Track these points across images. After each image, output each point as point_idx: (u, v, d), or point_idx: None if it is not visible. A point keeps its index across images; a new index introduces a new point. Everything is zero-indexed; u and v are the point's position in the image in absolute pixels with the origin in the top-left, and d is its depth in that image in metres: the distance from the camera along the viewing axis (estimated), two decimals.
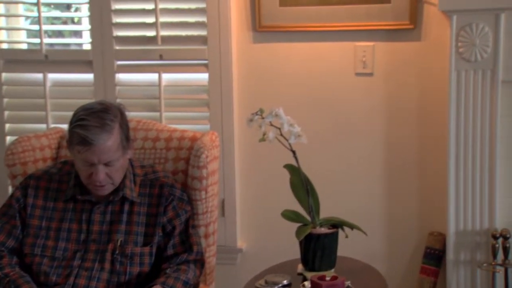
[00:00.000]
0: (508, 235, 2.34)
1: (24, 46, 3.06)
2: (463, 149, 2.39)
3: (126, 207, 1.97)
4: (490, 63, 2.32)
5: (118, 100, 2.82)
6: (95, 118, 1.84)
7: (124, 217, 1.96)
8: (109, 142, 1.84)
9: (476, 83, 2.35)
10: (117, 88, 2.89)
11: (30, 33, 3.03)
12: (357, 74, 2.69)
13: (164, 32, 2.80)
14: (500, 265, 2.37)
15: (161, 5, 2.78)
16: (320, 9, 2.63)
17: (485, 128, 2.35)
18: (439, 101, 2.55)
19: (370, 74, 2.67)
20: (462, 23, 2.32)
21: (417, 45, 2.59)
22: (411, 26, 2.56)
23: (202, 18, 2.77)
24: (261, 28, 2.72)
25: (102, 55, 2.87)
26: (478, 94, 2.35)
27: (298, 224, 2.01)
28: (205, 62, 2.79)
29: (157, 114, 2.84)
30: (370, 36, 2.63)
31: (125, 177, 1.97)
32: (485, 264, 2.40)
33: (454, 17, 2.33)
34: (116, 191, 1.95)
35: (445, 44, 2.45)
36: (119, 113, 1.91)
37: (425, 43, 2.58)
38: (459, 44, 2.34)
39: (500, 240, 2.35)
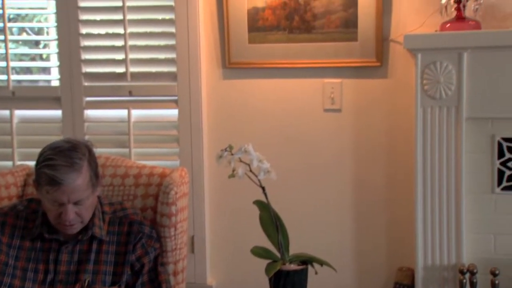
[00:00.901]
0: (475, 270, 2.36)
1: None
2: (430, 185, 2.42)
3: (94, 246, 1.93)
4: (454, 100, 2.37)
5: (86, 137, 2.81)
6: (62, 157, 1.81)
7: (92, 256, 1.92)
8: (78, 180, 1.81)
9: (442, 119, 2.39)
10: (86, 124, 2.87)
11: None
12: (326, 110, 2.72)
13: (133, 69, 2.81)
14: None
15: (130, 42, 2.79)
16: (289, 46, 2.67)
17: (451, 164, 2.39)
18: (406, 137, 2.59)
19: (339, 110, 2.71)
20: (426, 61, 2.38)
21: (384, 82, 2.65)
22: (377, 64, 2.61)
23: (171, 55, 2.79)
24: (230, 64, 2.74)
25: (71, 92, 2.86)
26: (443, 130, 2.39)
27: (268, 261, 2.00)
28: (175, 98, 2.80)
29: (127, 150, 2.83)
30: (338, 73, 2.68)
31: (93, 215, 1.94)
32: None
33: (419, 56, 2.38)
34: (84, 229, 1.92)
35: (411, 81, 2.50)
36: (87, 150, 1.89)
37: (391, 80, 2.64)
38: (424, 81, 2.39)
39: (468, 275, 2.37)
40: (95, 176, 1.89)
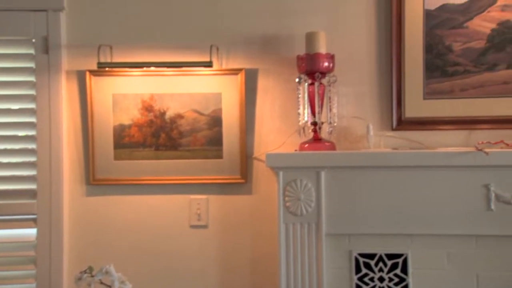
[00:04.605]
0: None
1: None
2: None
3: None
4: (314, 216, 2.46)
5: None
6: None
7: None
8: None
9: (303, 235, 2.47)
10: None
11: None
12: (192, 226, 2.72)
13: None
14: None
15: None
16: (156, 163, 2.69)
17: (313, 279, 2.44)
18: (271, 252, 2.64)
19: (205, 226, 2.72)
20: (288, 178, 2.47)
21: (249, 198, 2.71)
22: (242, 181, 2.68)
23: (32, 172, 2.69)
24: (95, 181, 2.69)
25: None
26: (305, 246, 2.46)
27: None
28: (34, 216, 2.68)
29: None
30: (204, 189, 2.71)
31: None
32: None
33: (281, 173, 2.48)
34: None
35: (274, 197, 2.58)
36: None
37: (256, 196, 2.71)
38: (286, 198, 2.47)
39: None
40: None
